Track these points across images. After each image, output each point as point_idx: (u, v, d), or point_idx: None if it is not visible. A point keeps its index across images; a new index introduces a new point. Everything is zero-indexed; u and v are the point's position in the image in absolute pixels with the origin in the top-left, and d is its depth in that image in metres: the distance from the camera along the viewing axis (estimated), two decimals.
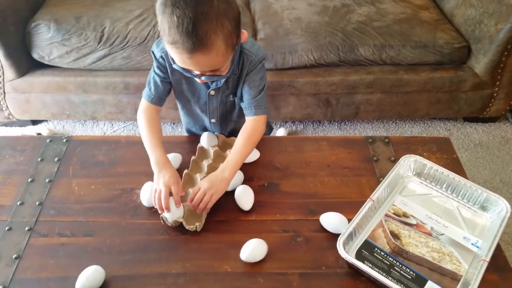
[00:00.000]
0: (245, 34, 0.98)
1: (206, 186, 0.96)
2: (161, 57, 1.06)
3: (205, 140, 1.13)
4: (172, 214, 0.94)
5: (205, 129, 1.23)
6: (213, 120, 1.18)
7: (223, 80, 1.06)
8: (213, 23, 0.85)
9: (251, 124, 1.08)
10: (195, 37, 0.84)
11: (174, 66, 0.96)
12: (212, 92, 1.10)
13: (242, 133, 1.07)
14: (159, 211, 0.94)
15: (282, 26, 1.90)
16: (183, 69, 0.95)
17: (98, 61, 1.84)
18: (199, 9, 0.83)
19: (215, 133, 1.18)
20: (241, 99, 1.11)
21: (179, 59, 0.91)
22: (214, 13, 0.84)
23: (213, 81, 1.06)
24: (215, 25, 0.85)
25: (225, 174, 0.98)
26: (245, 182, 1.05)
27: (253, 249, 0.89)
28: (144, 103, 1.12)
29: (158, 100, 1.11)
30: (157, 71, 1.09)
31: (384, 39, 1.84)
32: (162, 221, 0.95)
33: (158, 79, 1.09)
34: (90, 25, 1.82)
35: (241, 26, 0.94)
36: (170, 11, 0.83)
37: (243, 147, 1.04)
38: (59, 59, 1.84)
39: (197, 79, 1.00)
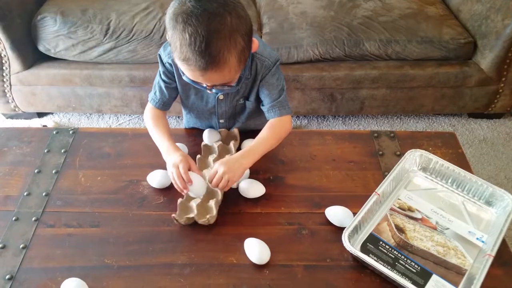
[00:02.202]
0: (255, 43, 0.93)
1: (224, 170, 0.94)
2: (168, 63, 1.03)
3: (207, 138, 1.12)
4: (195, 190, 0.93)
5: (210, 126, 1.20)
6: (221, 121, 1.16)
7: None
8: (226, 41, 0.82)
9: (278, 121, 1.05)
10: (208, 56, 0.82)
11: (183, 77, 0.94)
12: (221, 97, 1.08)
13: (269, 127, 1.04)
14: (182, 192, 0.93)
15: (287, 21, 1.90)
16: (193, 81, 0.92)
17: (104, 54, 1.84)
18: (211, 26, 0.81)
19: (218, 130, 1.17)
20: (261, 104, 1.08)
21: (191, 75, 0.89)
22: (227, 30, 0.82)
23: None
24: (228, 43, 0.83)
25: (243, 160, 0.97)
26: (251, 175, 1.05)
27: (259, 252, 0.89)
28: (149, 106, 1.10)
29: (163, 105, 1.09)
30: (163, 76, 1.06)
31: (390, 34, 1.83)
32: (175, 221, 0.94)
33: (163, 85, 1.07)
34: (96, 18, 1.82)
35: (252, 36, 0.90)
36: (182, 28, 0.81)
37: (268, 139, 1.02)
38: (65, 52, 1.85)
39: (207, 91, 0.98)
